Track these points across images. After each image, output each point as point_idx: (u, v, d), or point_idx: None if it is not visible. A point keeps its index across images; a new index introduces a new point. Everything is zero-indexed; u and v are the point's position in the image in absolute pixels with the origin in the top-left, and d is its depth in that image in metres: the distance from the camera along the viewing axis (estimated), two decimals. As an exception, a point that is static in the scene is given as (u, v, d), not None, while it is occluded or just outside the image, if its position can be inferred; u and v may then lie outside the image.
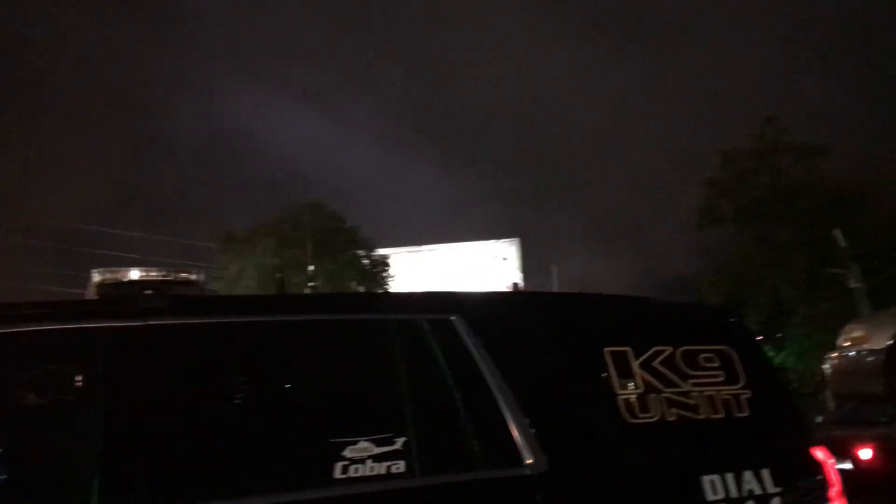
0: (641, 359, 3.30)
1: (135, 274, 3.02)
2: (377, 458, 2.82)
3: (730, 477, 3.17)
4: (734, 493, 3.16)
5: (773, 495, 3.22)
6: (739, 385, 3.41)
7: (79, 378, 2.95)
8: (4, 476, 2.53)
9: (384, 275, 33.21)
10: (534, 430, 3.01)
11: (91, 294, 3.05)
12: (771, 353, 25.27)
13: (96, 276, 3.03)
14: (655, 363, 3.31)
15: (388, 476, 2.82)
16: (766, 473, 3.23)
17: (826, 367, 11.37)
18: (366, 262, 32.81)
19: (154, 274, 3.02)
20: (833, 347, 11.28)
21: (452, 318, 3.16)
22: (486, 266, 39.92)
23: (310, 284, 17.99)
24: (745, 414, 3.36)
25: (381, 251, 34.17)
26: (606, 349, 3.27)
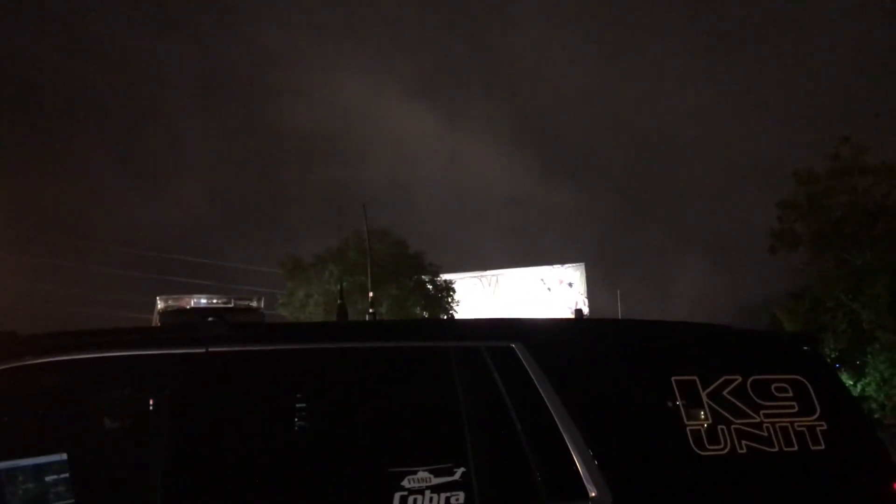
0: (710, 388, 3.18)
1: (197, 301, 3.06)
2: (436, 489, 2.78)
3: None
4: None
5: None
6: (814, 416, 3.25)
7: (144, 404, 3.00)
8: (73, 500, 2.57)
9: (449, 300, 33.18)
10: (597, 462, 2.92)
11: (155, 321, 3.10)
12: (850, 382, 24.25)
13: (160, 304, 3.08)
14: (724, 393, 3.19)
15: None
16: None
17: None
18: (430, 287, 32.84)
19: (216, 301, 3.05)
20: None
21: (513, 345, 3.11)
22: (552, 291, 39.59)
23: (370, 311, 17.91)
24: (821, 447, 3.20)
25: (446, 276, 34.19)
26: (673, 378, 3.17)
